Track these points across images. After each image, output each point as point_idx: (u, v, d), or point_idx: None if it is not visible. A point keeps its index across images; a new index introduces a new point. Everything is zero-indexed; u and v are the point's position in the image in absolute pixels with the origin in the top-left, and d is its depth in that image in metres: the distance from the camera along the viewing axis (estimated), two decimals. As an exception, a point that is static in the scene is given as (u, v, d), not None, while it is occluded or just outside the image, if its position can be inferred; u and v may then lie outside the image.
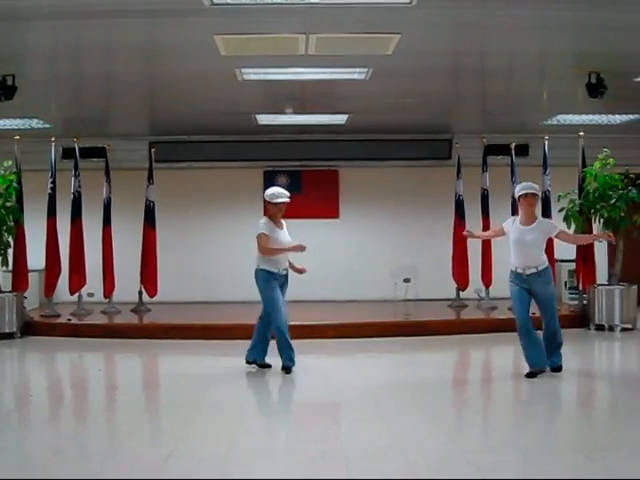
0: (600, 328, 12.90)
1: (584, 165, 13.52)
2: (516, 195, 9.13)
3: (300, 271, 9.73)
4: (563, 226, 12.89)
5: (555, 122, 14.49)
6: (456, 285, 14.96)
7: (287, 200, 9.45)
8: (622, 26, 8.67)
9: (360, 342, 11.85)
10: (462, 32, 9.12)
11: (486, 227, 14.49)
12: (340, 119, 14.45)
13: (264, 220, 9.41)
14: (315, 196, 16.14)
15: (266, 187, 16.44)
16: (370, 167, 16.40)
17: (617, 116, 14.09)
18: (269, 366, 9.43)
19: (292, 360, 9.22)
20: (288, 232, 9.62)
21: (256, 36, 8.97)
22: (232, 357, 10.42)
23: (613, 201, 12.63)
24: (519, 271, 8.87)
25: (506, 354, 11.32)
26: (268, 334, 9.45)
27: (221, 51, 9.38)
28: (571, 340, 12.12)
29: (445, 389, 8.97)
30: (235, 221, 16.09)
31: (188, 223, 16.24)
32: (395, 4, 7.87)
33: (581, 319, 13.21)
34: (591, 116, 13.97)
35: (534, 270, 8.81)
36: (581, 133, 13.70)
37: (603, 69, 10.43)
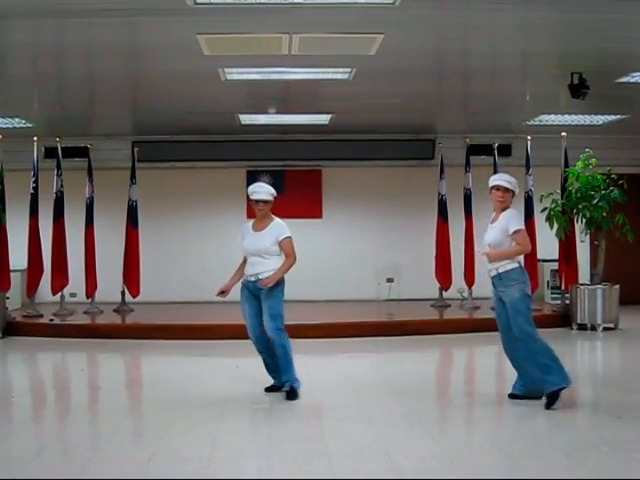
0: (582, 328, 12.95)
1: (566, 165, 13.56)
2: (489, 187, 7.96)
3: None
4: (545, 226, 12.99)
5: (538, 122, 14.55)
6: (439, 285, 14.99)
7: (265, 198, 8.30)
8: (604, 27, 8.71)
9: (343, 342, 11.86)
10: (445, 32, 9.14)
11: (469, 227, 14.55)
12: (323, 119, 14.46)
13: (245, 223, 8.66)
14: (298, 196, 16.12)
15: (249, 187, 16.63)
16: (353, 167, 16.42)
17: (599, 117, 14.15)
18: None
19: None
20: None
21: (239, 36, 8.97)
22: (215, 357, 10.43)
23: (595, 201, 12.67)
24: (490, 274, 7.78)
25: (488, 354, 11.35)
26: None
27: (204, 51, 9.37)
28: (553, 340, 12.12)
29: (428, 389, 8.97)
30: (218, 221, 16.09)
31: (171, 223, 16.21)
32: (378, 4, 7.87)
33: (563, 319, 13.27)
34: (573, 116, 14.04)
35: (495, 272, 7.66)
36: (563, 133, 13.75)
37: (585, 70, 10.47)
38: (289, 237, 8.25)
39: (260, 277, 8.13)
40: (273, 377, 8.38)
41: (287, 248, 8.24)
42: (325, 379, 9.22)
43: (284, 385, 8.13)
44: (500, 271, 7.61)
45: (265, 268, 8.16)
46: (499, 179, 7.84)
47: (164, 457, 5.99)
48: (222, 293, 8.35)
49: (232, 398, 8.14)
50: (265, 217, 8.37)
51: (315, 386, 8.72)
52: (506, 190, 7.74)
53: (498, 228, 7.70)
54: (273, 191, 8.40)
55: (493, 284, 7.76)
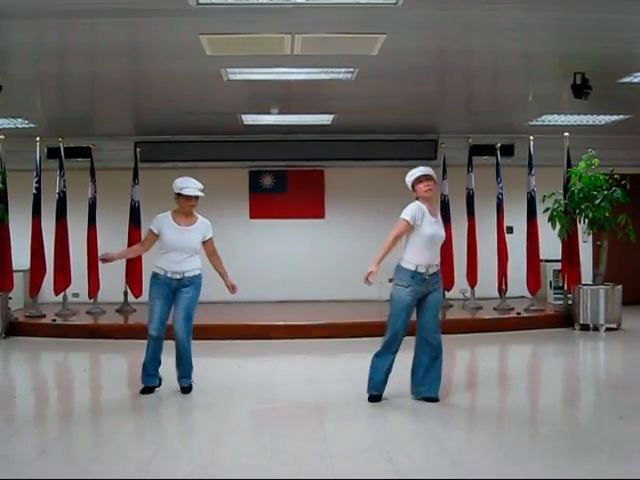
0: (585, 328, 12.95)
1: (569, 165, 13.56)
2: (413, 178, 8.27)
3: (229, 287, 8.65)
4: (547, 226, 13.03)
5: (540, 122, 14.53)
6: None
7: (199, 194, 8.33)
8: (607, 27, 8.70)
9: (345, 342, 11.86)
10: (447, 32, 9.13)
11: (471, 227, 14.53)
12: (326, 119, 14.45)
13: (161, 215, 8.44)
14: (301, 196, 16.15)
15: (252, 187, 16.69)
16: (356, 167, 16.41)
17: (602, 117, 14.13)
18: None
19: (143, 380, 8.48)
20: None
21: (242, 36, 8.96)
22: (215, 357, 10.43)
23: (598, 201, 12.67)
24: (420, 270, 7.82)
25: (491, 354, 11.35)
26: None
27: (207, 51, 9.37)
28: (556, 340, 12.21)
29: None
30: (220, 221, 16.00)
31: (173, 223, 16.19)
32: (381, 4, 7.87)
33: (566, 319, 13.26)
34: (576, 117, 14.01)
35: (435, 269, 7.92)
36: (566, 134, 13.73)
37: (588, 70, 10.46)
38: (212, 236, 8.42)
39: (187, 275, 8.16)
40: (150, 376, 8.44)
41: (213, 247, 8.45)
42: (327, 379, 9.23)
43: (183, 382, 8.36)
44: (439, 268, 7.94)
45: (193, 266, 8.24)
46: (425, 170, 8.11)
47: (165, 457, 6.00)
48: (105, 260, 8.29)
49: (234, 398, 8.15)
50: (192, 213, 8.40)
51: (317, 386, 8.73)
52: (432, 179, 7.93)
53: (441, 223, 8.18)
54: (201, 185, 8.43)
55: (423, 281, 7.80)
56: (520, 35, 9.20)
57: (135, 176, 14.48)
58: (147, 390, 8.35)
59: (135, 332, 12.61)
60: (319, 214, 16.54)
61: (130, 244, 14.27)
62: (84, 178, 14.22)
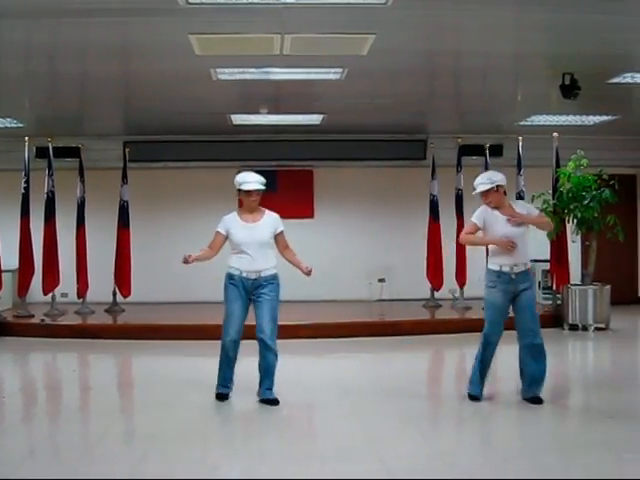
0: (574, 328, 12.98)
1: (558, 166, 13.59)
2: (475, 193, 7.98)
3: (305, 271, 8.30)
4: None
5: (529, 123, 14.55)
6: (430, 285, 15.00)
7: (259, 187, 8.01)
8: (596, 28, 8.71)
9: (335, 342, 11.86)
10: (437, 33, 9.14)
11: (460, 227, 14.55)
12: (315, 119, 14.45)
13: (227, 215, 8.20)
14: (290, 196, 16.10)
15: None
16: (345, 167, 16.41)
17: (591, 117, 14.16)
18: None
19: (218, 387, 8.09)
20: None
21: (231, 36, 8.95)
22: (206, 357, 10.38)
23: (586, 202, 12.70)
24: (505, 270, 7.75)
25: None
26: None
27: (196, 51, 9.35)
28: (544, 340, 12.18)
29: (419, 389, 8.98)
30: (209, 221, 15.87)
31: (162, 223, 16.17)
32: (370, 4, 7.86)
33: (555, 319, 13.29)
34: (565, 117, 14.04)
35: (523, 268, 7.77)
36: (555, 134, 13.78)
37: (577, 70, 10.47)
38: (283, 229, 8.08)
39: (263, 275, 7.85)
40: (226, 385, 8.04)
41: (285, 241, 8.10)
42: (316, 379, 9.22)
43: (267, 393, 7.85)
44: (528, 267, 7.81)
45: (269, 264, 7.92)
46: (480, 186, 7.85)
47: (155, 458, 5.98)
48: (187, 261, 7.86)
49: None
50: (257, 208, 8.08)
51: (306, 386, 8.73)
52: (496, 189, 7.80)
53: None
54: (263, 179, 8.08)
55: (510, 280, 7.71)
56: (509, 36, 9.22)
57: (124, 176, 14.45)
58: (223, 397, 8.00)
59: (124, 332, 12.67)
60: (308, 214, 16.52)
61: (119, 244, 14.27)
62: (73, 178, 14.19)
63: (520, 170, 13.84)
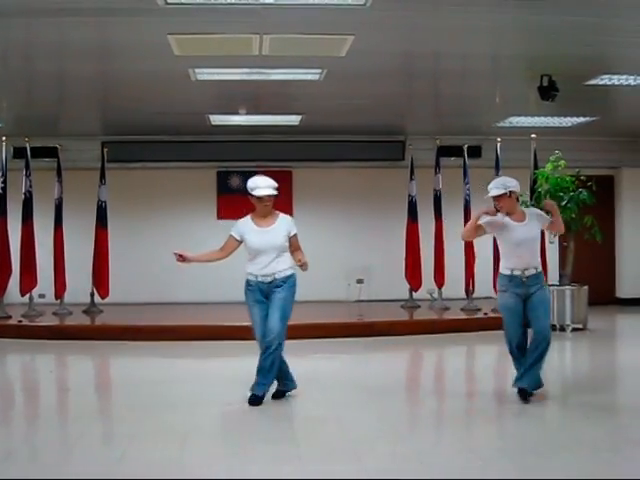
0: (552, 328, 12.97)
1: (536, 167, 13.65)
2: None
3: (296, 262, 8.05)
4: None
5: (507, 124, 14.61)
6: (409, 286, 15.03)
7: (272, 192, 7.92)
8: (574, 30, 8.76)
9: (313, 343, 11.83)
10: (415, 34, 9.16)
11: (439, 228, 14.61)
12: (294, 120, 14.45)
13: (241, 220, 8.06)
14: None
15: (220, 188, 16.64)
16: (324, 168, 16.44)
17: (569, 118, 14.23)
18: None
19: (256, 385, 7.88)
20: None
21: (210, 36, 8.94)
22: (185, 359, 10.39)
23: (564, 203, 12.73)
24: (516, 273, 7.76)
25: (458, 354, 11.39)
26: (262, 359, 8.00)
27: (174, 51, 9.33)
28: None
29: (398, 389, 8.99)
30: (188, 222, 16.06)
31: (140, 224, 16.14)
32: (349, 5, 7.87)
33: (533, 319, 13.32)
34: (543, 118, 14.11)
35: (534, 271, 7.79)
36: (533, 135, 13.84)
37: (555, 72, 10.52)
38: (296, 232, 8.09)
39: (277, 277, 7.86)
40: (285, 383, 8.17)
41: (298, 244, 8.10)
42: (295, 380, 9.20)
43: (286, 389, 8.11)
44: (539, 270, 7.81)
45: (283, 266, 7.93)
46: (493, 190, 7.71)
47: (134, 458, 5.96)
48: (181, 258, 7.76)
49: (203, 399, 8.12)
50: (270, 212, 8.04)
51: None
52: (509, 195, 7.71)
53: (531, 225, 7.79)
54: (274, 183, 7.96)
55: (521, 284, 7.74)
56: (488, 37, 9.26)
57: (102, 176, 14.40)
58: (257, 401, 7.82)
59: (102, 333, 12.63)
60: (287, 214, 16.48)
61: (97, 245, 14.21)
62: (51, 178, 14.14)
63: (498, 171, 13.84)
